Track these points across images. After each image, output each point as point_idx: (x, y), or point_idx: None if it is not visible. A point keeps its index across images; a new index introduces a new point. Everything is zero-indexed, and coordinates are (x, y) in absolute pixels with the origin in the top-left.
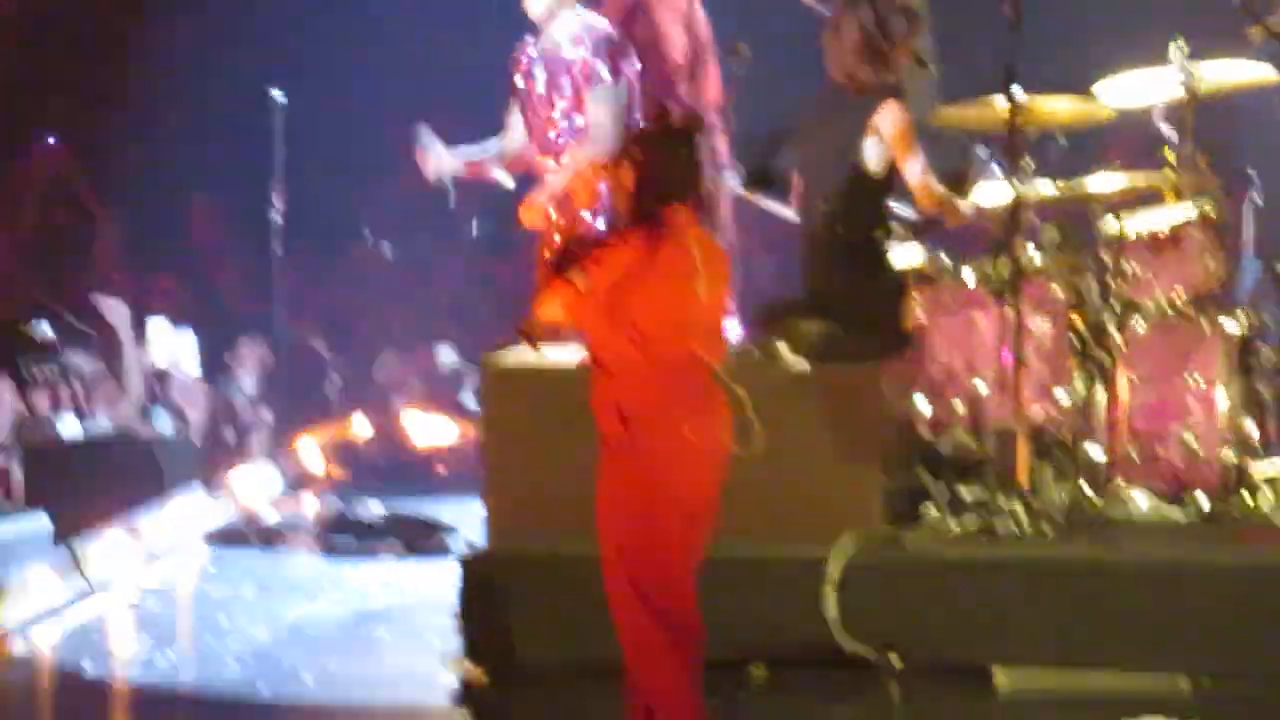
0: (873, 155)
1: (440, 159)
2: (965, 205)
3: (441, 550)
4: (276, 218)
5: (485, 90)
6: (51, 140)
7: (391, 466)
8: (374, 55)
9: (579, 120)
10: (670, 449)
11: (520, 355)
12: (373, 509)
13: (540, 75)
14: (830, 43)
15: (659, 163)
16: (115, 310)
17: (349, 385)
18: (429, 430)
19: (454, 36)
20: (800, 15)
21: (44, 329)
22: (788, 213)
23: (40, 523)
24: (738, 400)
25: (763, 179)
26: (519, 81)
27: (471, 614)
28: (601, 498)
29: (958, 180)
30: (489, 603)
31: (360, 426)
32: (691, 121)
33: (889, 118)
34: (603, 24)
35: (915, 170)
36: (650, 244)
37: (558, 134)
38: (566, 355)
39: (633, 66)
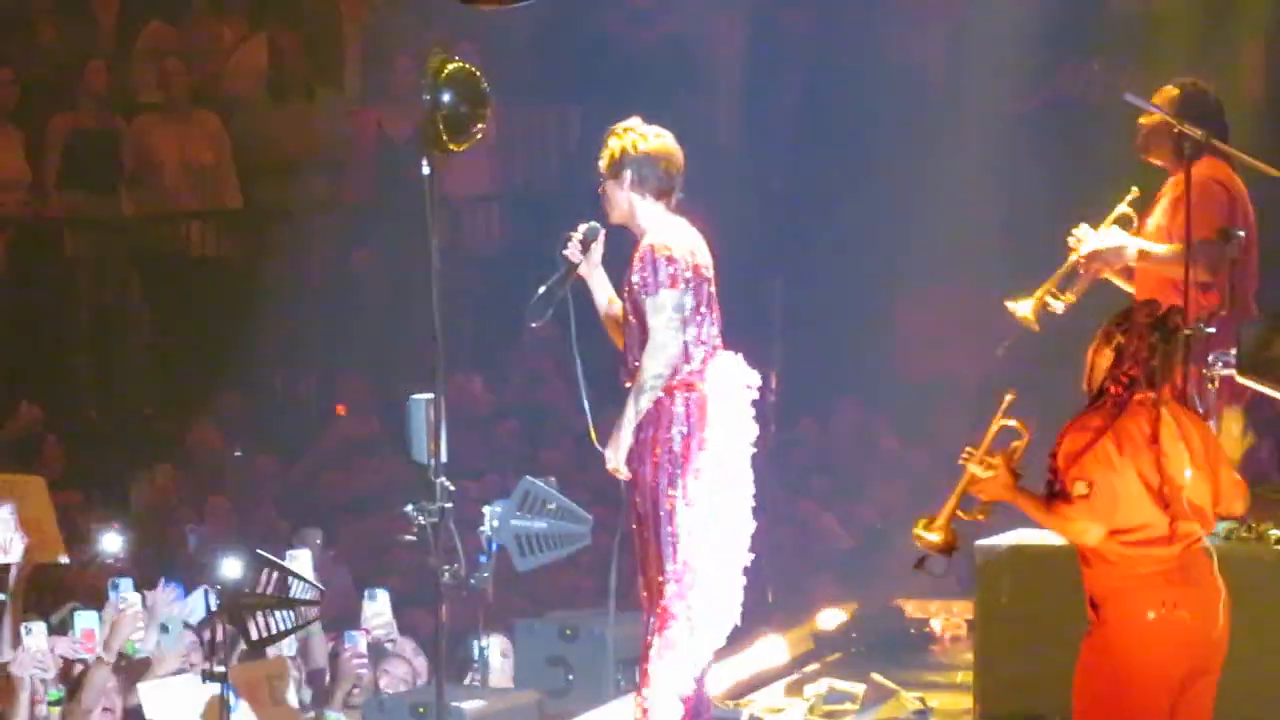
0: None
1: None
2: None
3: None
4: None
5: None
6: None
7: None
8: None
9: None
10: (1133, 631)
11: (1011, 537)
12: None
13: None
14: None
15: (1138, 349)
16: None
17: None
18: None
19: None
20: None
21: None
22: None
23: None
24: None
25: (1258, 365)
26: None
27: None
28: (1076, 681)
29: None
30: None
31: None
32: (1177, 316)
33: None
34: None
35: None
36: (1112, 422)
37: None
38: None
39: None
